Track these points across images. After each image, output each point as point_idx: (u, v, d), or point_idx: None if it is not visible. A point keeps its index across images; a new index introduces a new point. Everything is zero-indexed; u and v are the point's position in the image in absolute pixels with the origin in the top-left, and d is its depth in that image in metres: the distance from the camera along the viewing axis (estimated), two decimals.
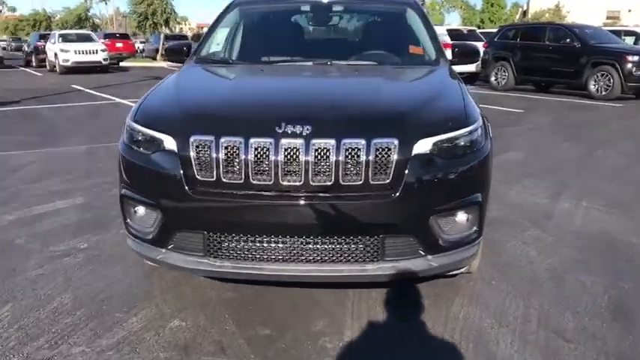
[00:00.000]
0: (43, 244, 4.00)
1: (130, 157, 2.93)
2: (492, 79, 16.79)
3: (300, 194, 2.65)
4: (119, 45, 29.83)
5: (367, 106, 2.94)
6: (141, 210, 2.93)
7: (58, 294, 3.24)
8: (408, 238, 2.74)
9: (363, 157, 2.60)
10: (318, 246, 2.71)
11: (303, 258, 2.73)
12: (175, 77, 3.55)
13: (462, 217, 2.83)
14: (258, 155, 2.62)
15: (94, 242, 4.02)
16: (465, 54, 4.11)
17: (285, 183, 2.63)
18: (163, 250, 2.86)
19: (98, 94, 14.82)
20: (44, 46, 25.55)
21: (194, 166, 2.69)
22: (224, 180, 2.67)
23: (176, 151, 2.73)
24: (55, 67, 23.32)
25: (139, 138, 2.90)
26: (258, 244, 2.73)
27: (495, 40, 17.14)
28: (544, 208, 5.00)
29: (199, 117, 2.83)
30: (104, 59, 23.54)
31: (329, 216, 2.66)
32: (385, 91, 3.11)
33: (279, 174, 2.62)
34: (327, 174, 2.62)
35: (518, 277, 3.52)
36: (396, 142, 2.62)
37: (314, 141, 2.61)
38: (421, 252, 2.77)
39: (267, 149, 2.61)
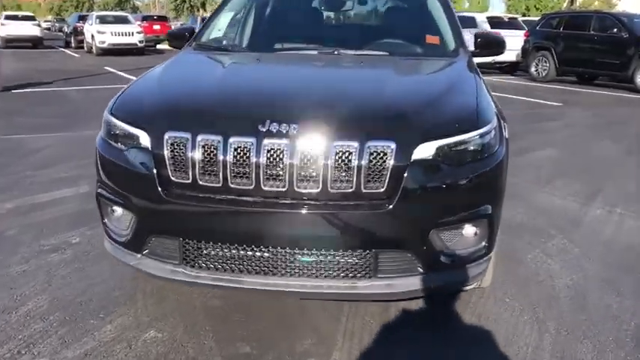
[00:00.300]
0: (34, 236, 3.83)
1: (105, 152, 2.69)
2: (532, 69, 16.10)
3: (284, 201, 2.37)
4: (156, 27, 29.81)
5: (365, 104, 2.62)
6: (118, 210, 2.70)
7: (35, 295, 3.04)
8: (404, 253, 2.44)
9: (354, 162, 2.30)
10: (303, 259, 2.43)
11: (286, 271, 2.45)
12: (164, 66, 3.29)
13: (468, 231, 2.51)
14: (238, 156, 2.35)
15: (87, 237, 3.82)
16: (488, 45, 3.73)
17: (266, 188, 2.36)
18: (138, 256, 2.62)
19: (129, 76, 14.77)
20: (83, 27, 25.75)
21: (168, 167, 2.43)
22: (200, 183, 2.41)
23: (150, 148, 2.48)
24: (92, 48, 23.47)
25: (116, 132, 2.66)
26: (237, 255, 2.47)
27: (537, 28, 16.41)
28: (574, 213, 4.60)
29: (176, 111, 2.57)
30: (140, 41, 23.57)
31: (315, 226, 2.38)
32: (389, 87, 2.79)
33: (261, 178, 2.34)
34: (314, 180, 2.33)
35: (536, 294, 3.17)
36: (393, 145, 2.32)
37: (300, 142, 2.32)
38: (420, 269, 2.47)
39: (248, 150, 2.34)
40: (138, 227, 2.57)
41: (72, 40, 27.98)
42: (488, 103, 2.76)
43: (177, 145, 2.41)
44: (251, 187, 2.36)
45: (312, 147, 2.31)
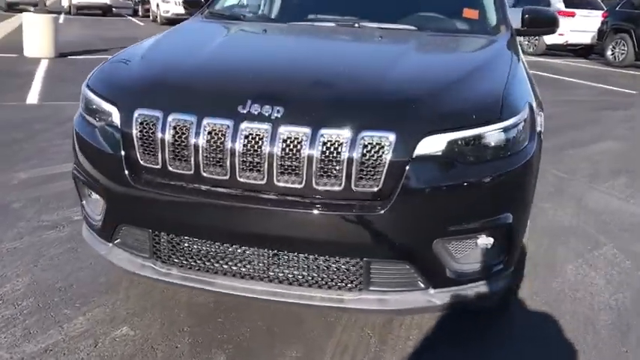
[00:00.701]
0: (37, 210, 3.66)
1: (80, 129, 2.42)
2: (608, 53, 14.97)
3: (262, 196, 2.04)
4: None
5: (365, 87, 2.23)
6: (93, 193, 2.44)
7: (17, 276, 2.85)
8: (402, 265, 2.07)
9: (344, 155, 1.94)
10: (283, 263, 2.11)
11: (264, 276, 2.14)
12: (162, 35, 2.99)
13: (483, 242, 2.11)
14: (212, 141, 2.03)
15: None
16: (537, 22, 3.23)
17: (243, 180, 2.03)
18: (109, 245, 2.36)
19: None
20: None
21: (137, 148, 2.14)
22: (171, 169, 2.11)
23: (119, 126, 2.19)
24: (157, 17, 23.64)
25: (92, 107, 2.39)
26: (210, 253, 2.17)
27: (617, 9, 15.20)
28: (630, 218, 4.06)
29: (150, 86, 2.26)
30: None
31: (297, 228, 2.04)
32: (399, 68, 2.37)
33: (237, 168, 2.02)
34: (297, 173, 1.98)
35: (570, 314, 2.72)
36: (391, 137, 1.94)
37: (283, 128, 1.98)
38: (421, 284, 2.09)
39: (224, 134, 2.01)
40: (107, 213, 2.30)
41: (139, 9, 28.34)
42: (522, 91, 2.32)
43: (147, 124, 2.11)
44: (226, 178, 2.04)
45: (297, 135, 1.96)
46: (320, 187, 1.98)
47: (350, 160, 1.93)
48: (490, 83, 2.28)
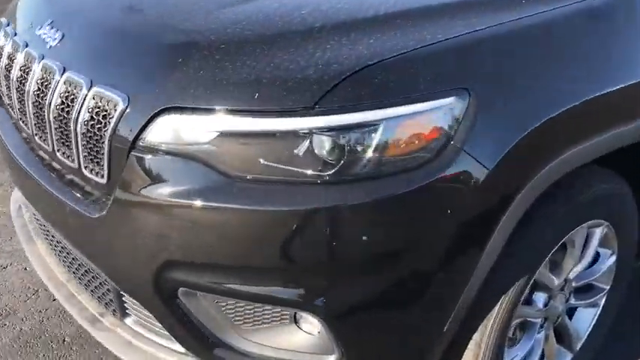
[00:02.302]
0: None
1: None
2: None
3: (45, 166, 1.57)
4: None
5: (156, 24, 1.48)
6: None
7: None
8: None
9: (74, 113, 1.36)
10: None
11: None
12: None
13: (306, 323, 1.37)
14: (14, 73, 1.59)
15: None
16: None
17: (38, 140, 1.56)
18: None
19: None
20: None
21: None
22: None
23: None
24: None
25: None
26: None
27: None
28: None
29: None
30: None
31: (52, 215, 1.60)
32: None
33: (30, 120, 1.56)
34: (66, 138, 1.43)
35: None
36: (121, 102, 1.27)
37: (48, 62, 1.45)
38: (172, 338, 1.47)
39: (20, 64, 1.57)
40: None
41: None
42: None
43: None
44: (30, 133, 1.59)
45: (68, 79, 1.40)
46: (60, 157, 1.47)
47: (76, 124, 1.35)
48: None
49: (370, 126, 1.17)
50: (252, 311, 1.34)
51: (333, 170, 1.17)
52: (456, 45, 1.26)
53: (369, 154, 1.17)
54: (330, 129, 1.16)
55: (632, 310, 2.20)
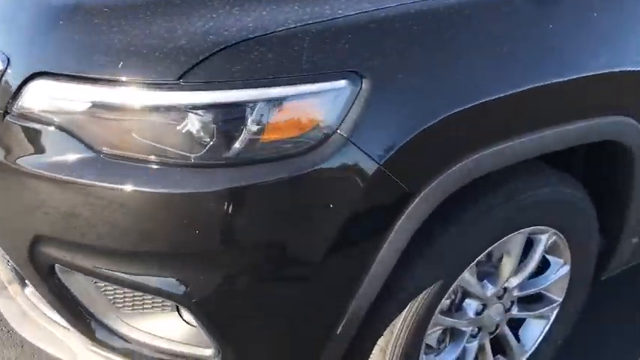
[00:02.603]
0: None
1: None
2: None
3: None
4: None
5: None
6: None
7: None
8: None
9: None
10: None
11: None
12: None
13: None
14: None
15: None
16: None
17: None
18: None
19: None
20: None
21: None
22: None
23: None
24: None
25: None
26: None
27: None
28: None
29: None
30: None
31: None
32: None
33: None
34: None
35: None
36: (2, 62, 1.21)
37: None
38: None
39: None
40: None
41: None
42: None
43: None
44: None
45: None
46: None
47: None
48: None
49: (241, 106, 1.05)
50: (131, 296, 1.26)
51: (201, 152, 1.06)
52: (356, 23, 1.10)
53: (242, 137, 1.05)
54: (194, 107, 1.05)
55: None
